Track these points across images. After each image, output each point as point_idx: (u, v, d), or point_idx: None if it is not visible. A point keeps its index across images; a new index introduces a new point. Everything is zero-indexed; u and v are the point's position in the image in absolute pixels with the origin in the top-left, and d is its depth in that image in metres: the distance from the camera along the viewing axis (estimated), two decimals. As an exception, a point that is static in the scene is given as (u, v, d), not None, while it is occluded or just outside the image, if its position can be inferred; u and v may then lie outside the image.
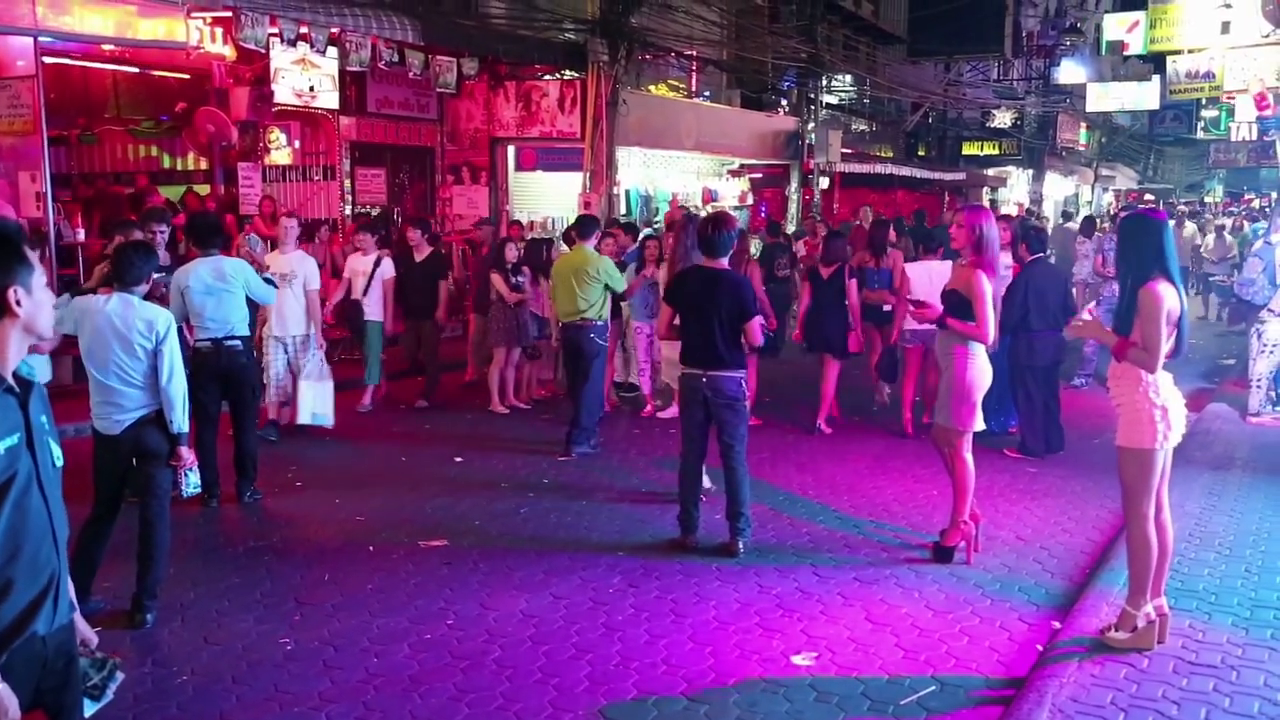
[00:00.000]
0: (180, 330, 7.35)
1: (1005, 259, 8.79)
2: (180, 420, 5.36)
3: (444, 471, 8.17)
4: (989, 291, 5.87)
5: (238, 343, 7.19)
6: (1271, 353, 9.48)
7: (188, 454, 5.51)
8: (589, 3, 16.41)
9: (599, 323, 8.76)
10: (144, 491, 5.34)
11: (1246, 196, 42.53)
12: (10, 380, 2.47)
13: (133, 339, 5.25)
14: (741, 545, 6.23)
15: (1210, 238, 20.18)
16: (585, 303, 8.63)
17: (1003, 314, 8.18)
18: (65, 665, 2.62)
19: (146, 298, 5.57)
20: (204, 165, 15.34)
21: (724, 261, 6.34)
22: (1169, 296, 4.55)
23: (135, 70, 12.87)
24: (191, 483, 5.71)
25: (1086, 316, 5.13)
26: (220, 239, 7.48)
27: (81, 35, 10.37)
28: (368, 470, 8.20)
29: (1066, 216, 24.17)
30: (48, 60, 11.01)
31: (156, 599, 5.33)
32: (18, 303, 2.47)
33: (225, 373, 7.18)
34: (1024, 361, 8.64)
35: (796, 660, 4.84)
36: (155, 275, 7.42)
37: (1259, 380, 9.59)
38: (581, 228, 9.13)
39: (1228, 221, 22.82)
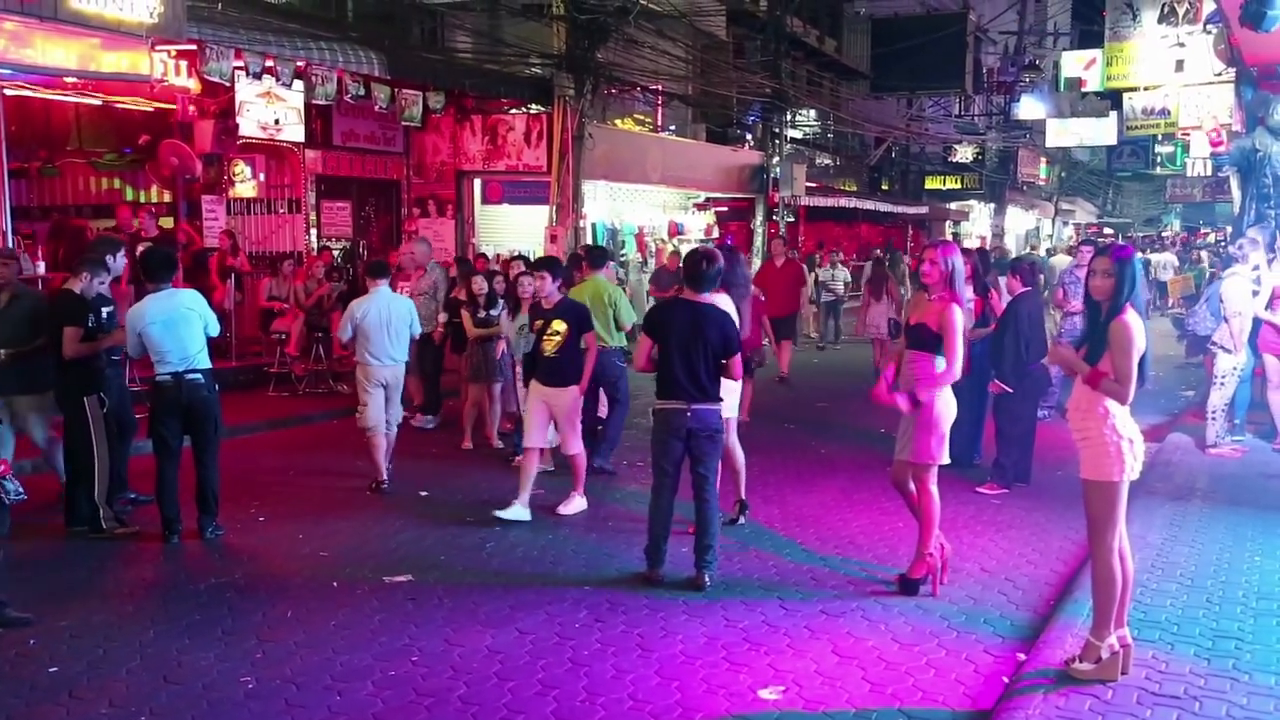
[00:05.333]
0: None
1: (966, 292, 8.90)
2: None
3: (409, 506, 8.10)
4: (960, 326, 5.95)
5: (199, 375, 7.09)
6: (1223, 384, 9.62)
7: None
8: (555, 37, 16.53)
9: (618, 347, 9.13)
10: None
11: (1202, 231, 43.29)
12: None
13: None
14: (708, 579, 6.21)
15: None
16: (604, 329, 8.89)
17: (1037, 346, 8.37)
18: None
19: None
20: (167, 198, 15.22)
21: (708, 296, 6.38)
22: (1139, 328, 4.64)
23: (98, 102, 12.75)
24: (11, 491, 5.57)
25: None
26: (172, 272, 7.42)
27: (44, 68, 10.25)
28: (332, 505, 8.12)
29: (1050, 252, 25.12)
30: (9, 92, 10.92)
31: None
32: None
33: (187, 406, 7.08)
34: (1036, 391, 8.78)
35: (763, 695, 4.82)
36: (107, 310, 7.35)
37: (1214, 413, 9.72)
38: (594, 258, 9.47)
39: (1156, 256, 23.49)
